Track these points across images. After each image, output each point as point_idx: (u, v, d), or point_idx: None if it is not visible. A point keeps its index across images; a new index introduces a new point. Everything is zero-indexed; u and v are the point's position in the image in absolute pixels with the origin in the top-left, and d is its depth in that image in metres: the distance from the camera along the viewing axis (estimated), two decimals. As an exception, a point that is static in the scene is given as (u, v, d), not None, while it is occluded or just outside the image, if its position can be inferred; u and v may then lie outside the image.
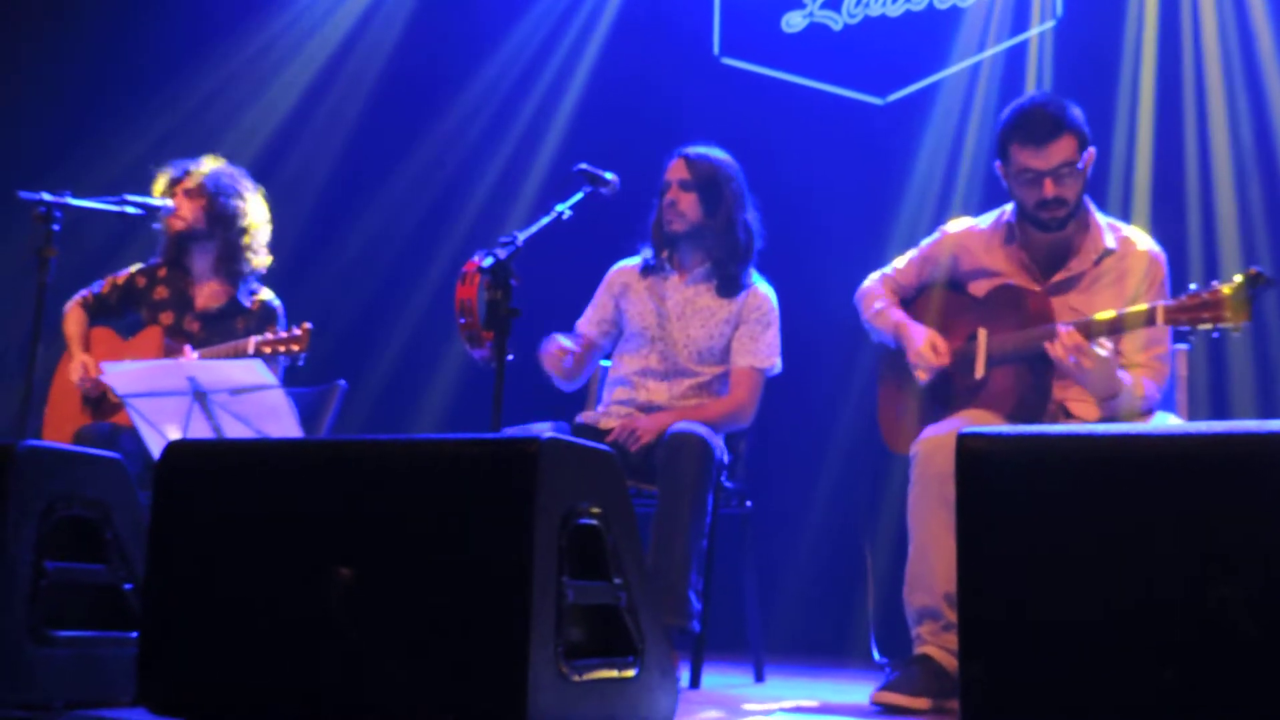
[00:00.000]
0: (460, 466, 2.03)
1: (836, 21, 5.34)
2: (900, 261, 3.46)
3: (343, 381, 3.95)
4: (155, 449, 3.35)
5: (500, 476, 1.99)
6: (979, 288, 3.27)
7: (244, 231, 4.05)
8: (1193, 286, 2.84)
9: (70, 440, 3.70)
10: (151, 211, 3.96)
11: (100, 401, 3.91)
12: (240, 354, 3.71)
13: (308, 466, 2.19)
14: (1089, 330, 2.93)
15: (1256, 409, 4.31)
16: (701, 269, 3.76)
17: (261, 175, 4.26)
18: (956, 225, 3.39)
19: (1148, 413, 3.04)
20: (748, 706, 2.96)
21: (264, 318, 4.01)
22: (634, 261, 3.87)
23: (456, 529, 2.00)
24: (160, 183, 4.10)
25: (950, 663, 2.82)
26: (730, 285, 3.71)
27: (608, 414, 3.70)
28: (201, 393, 3.33)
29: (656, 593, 2.69)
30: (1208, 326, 2.78)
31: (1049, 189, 3.08)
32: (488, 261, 2.93)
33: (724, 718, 2.75)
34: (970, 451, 1.86)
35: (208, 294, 4.06)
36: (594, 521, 2.10)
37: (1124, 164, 4.67)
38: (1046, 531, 1.79)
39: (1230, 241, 4.50)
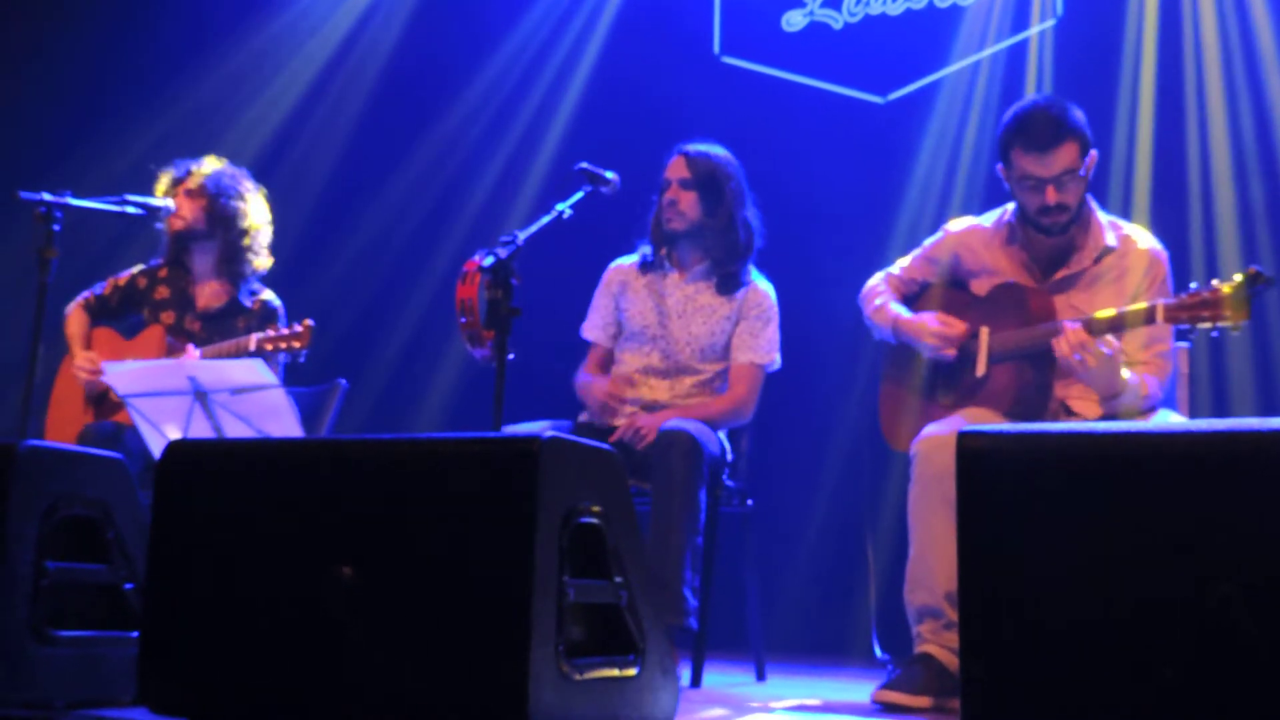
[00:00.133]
0: (461, 466, 2.03)
1: (837, 20, 5.34)
2: (904, 261, 3.46)
3: (343, 381, 3.95)
4: (156, 449, 3.36)
5: (501, 475, 1.99)
6: (981, 286, 3.27)
7: (245, 232, 4.05)
8: (1193, 285, 2.84)
9: (75, 439, 3.70)
10: (152, 211, 3.96)
11: (102, 401, 3.91)
12: (242, 351, 3.71)
13: (308, 466, 2.19)
14: (1090, 328, 2.93)
15: (1258, 407, 4.31)
16: (701, 267, 3.76)
17: (261, 175, 4.26)
18: (959, 224, 3.39)
19: (1149, 411, 3.04)
20: (750, 705, 2.96)
21: (265, 318, 4.01)
22: (631, 259, 3.87)
23: (457, 528, 2.00)
24: (162, 183, 4.10)
25: (951, 661, 2.82)
26: (730, 283, 3.71)
27: (612, 412, 3.70)
28: (202, 392, 3.33)
29: (652, 591, 2.68)
30: (1207, 325, 2.79)
31: (1051, 196, 3.08)
32: (488, 261, 2.93)
33: (729, 715, 2.75)
34: (971, 450, 1.86)
35: (209, 294, 4.06)
36: (595, 520, 2.10)
37: (1124, 162, 4.67)
38: (1047, 530, 1.79)
39: (1231, 240, 4.50)
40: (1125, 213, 4.39)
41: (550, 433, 2.04)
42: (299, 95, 5.95)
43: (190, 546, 2.20)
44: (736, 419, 3.67)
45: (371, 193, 5.86)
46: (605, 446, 2.24)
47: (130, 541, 2.44)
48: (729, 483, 3.63)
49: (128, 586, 2.43)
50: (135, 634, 2.25)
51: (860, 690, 3.12)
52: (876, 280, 3.47)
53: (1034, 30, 4.98)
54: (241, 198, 4.08)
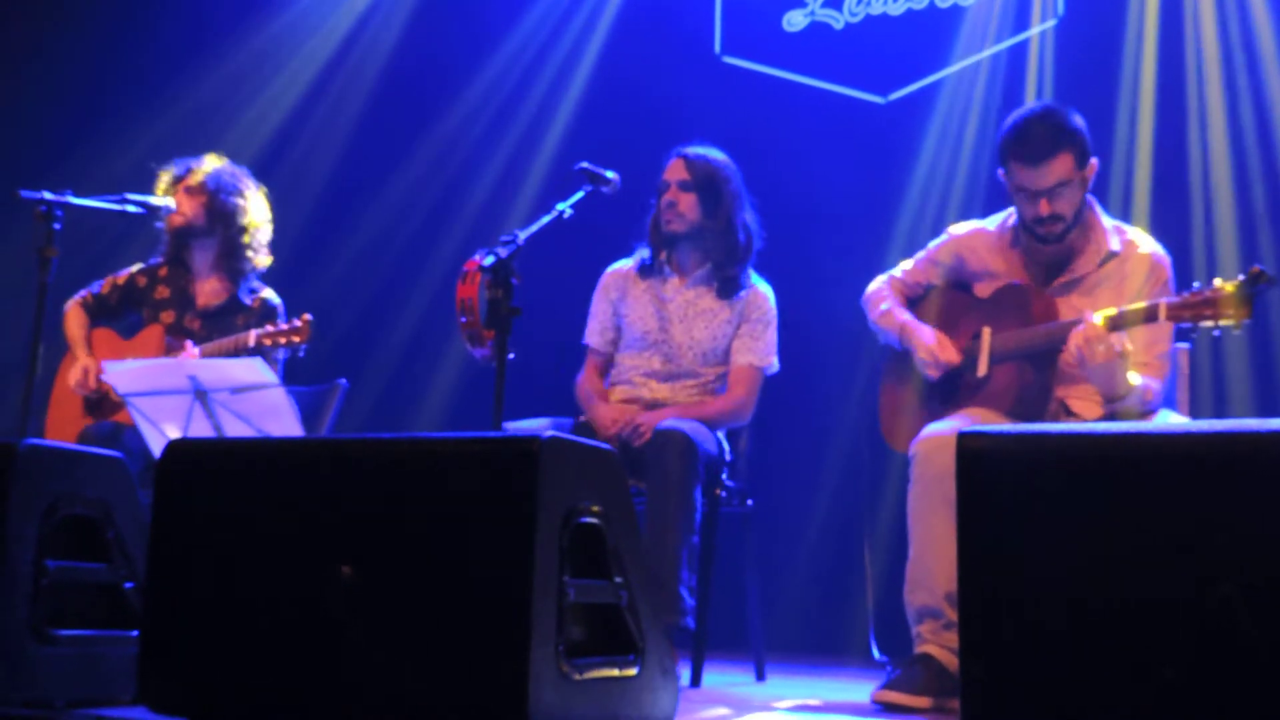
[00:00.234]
0: (461, 465, 2.03)
1: (838, 20, 5.34)
2: (906, 263, 3.47)
3: (344, 380, 3.95)
4: (156, 448, 3.35)
5: (501, 475, 1.99)
6: (984, 289, 3.27)
7: (244, 229, 4.05)
8: (1196, 284, 2.85)
9: (75, 438, 3.70)
10: (153, 210, 3.96)
11: (102, 402, 3.91)
12: (241, 347, 3.71)
13: (308, 465, 2.19)
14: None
15: (1259, 407, 4.31)
16: (701, 271, 3.75)
17: (262, 175, 4.26)
18: (962, 227, 3.39)
19: (1150, 412, 3.04)
20: (751, 705, 2.96)
21: (264, 315, 4.01)
22: (627, 263, 3.86)
23: (457, 528, 2.00)
24: (162, 181, 4.10)
25: (951, 661, 2.82)
26: (730, 286, 3.71)
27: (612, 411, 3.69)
28: (202, 391, 3.33)
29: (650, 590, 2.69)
30: (1209, 324, 2.79)
31: (1044, 208, 3.09)
32: (489, 260, 2.93)
33: (729, 715, 2.75)
34: (971, 450, 1.86)
35: (208, 291, 4.06)
36: (595, 520, 2.09)
37: (1124, 163, 4.67)
38: (1047, 530, 1.79)
39: (1233, 241, 4.50)
40: (1125, 214, 4.39)
41: (550, 433, 2.04)
42: (299, 95, 5.95)
43: (190, 546, 2.20)
44: (734, 420, 3.67)
45: (371, 193, 5.86)
46: (605, 446, 2.24)
47: (130, 541, 2.44)
48: (729, 483, 3.63)
49: (128, 586, 2.43)
50: (135, 633, 2.25)
51: (860, 690, 3.12)
52: (880, 284, 3.47)
53: (1035, 30, 4.98)
54: (241, 195, 4.08)
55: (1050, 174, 3.06)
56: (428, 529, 2.03)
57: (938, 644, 2.89)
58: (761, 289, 3.75)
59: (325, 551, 2.07)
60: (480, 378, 4.41)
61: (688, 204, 3.69)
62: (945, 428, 2.94)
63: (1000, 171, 3.18)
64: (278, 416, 3.31)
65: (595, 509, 2.10)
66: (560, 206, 3.24)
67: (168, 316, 4.02)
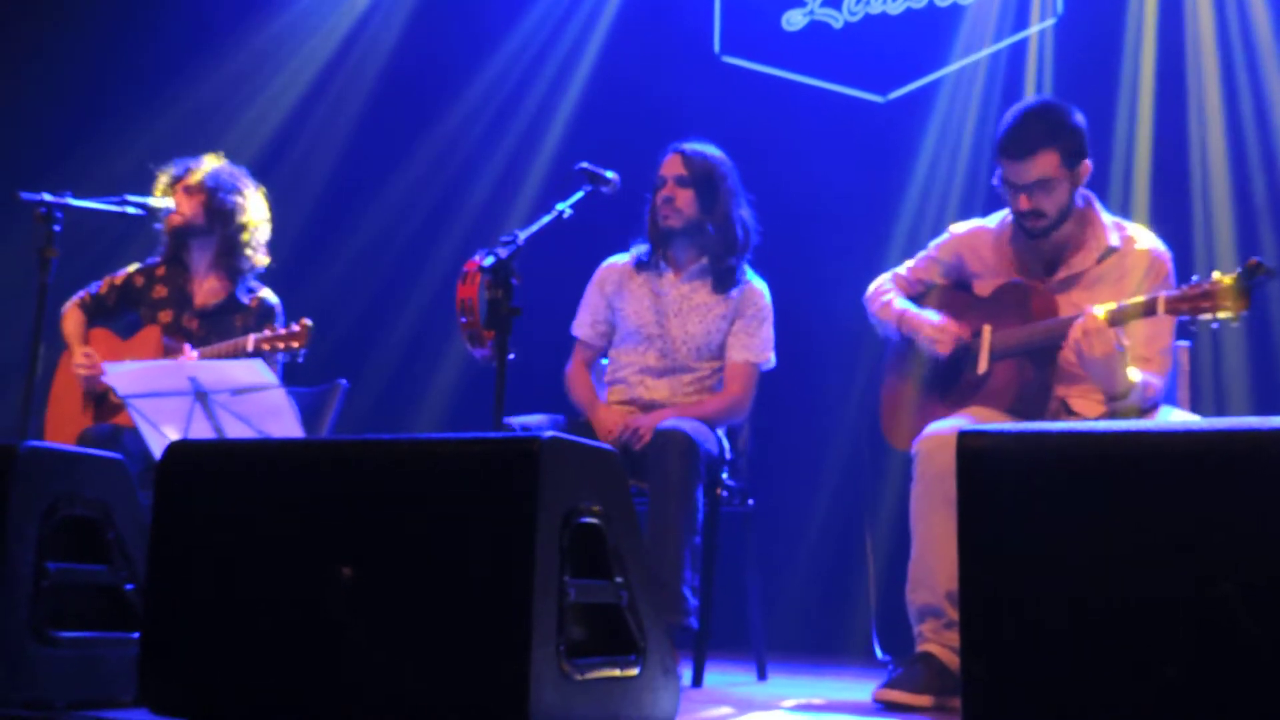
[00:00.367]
0: (462, 466, 2.03)
1: (837, 19, 5.33)
2: (910, 262, 3.47)
3: (344, 381, 3.95)
4: (156, 449, 3.35)
5: (502, 475, 1.99)
6: (984, 287, 3.27)
7: (243, 227, 4.05)
8: (1194, 278, 2.85)
9: (73, 441, 3.70)
10: (153, 212, 3.96)
11: (101, 401, 3.91)
12: (240, 352, 3.71)
13: (309, 466, 2.19)
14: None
15: (1259, 404, 4.31)
16: (696, 265, 3.75)
17: (262, 175, 4.26)
18: (963, 226, 3.40)
19: (1152, 408, 3.03)
20: (753, 704, 2.96)
21: (262, 315, 4.01)
22: (624, 258, 3.86)
23: (458, 528, 2.00)
24: (161, 182, 4.10)
25: (952, 660, 2.82)
26: (726, 281, 3.71)
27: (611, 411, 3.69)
28: (203, 393, 3.33)
29: (652, 590, 2.69)
30: (1208, 316, 2.79)
31: (1024, 202, 3.10)
32: (489, 260, 2.92)
33: (731, 715, 2.75)
34: (971, 450, 1.86)
35: (206, 290, 4.06)
36: (595, 520, 2.09)
37: (1124, 159, 4.67)
38: (1048, 529, 1.79)
39: (1233, 237, 4.50)
40: (1125, 211, 4.39)
41: (550, 433, 2.04)
42: (299, 95, 5.95)
43: (191, 547, 2.20)
44: (732, 417, 3.67)
45: (371, 193, 5.86)
46: (605, 446, 2.24)
47: (130, 542, 2.44)
48: (730, 482, 3.63)
49: (128, 587, 2.43)
50: (135, 634, 2.25)
51: (862, 689, 3.12)
52: (882, 280, 3.47)
53: (1034, 29, 4.98)
54: (240, 193, 4.08)
55: (1031, 170, 3.07)
56: (428, 529, 2.03)
57: (939, 643, 2.89)
58: (756, 285, 3.75)
59: (326, 552, 2.06)
60: (480, 378, 4.41)
61: (685, 200, 3.69)
62: (947, 427, 2.94)
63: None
64: (278, 417, 3.31)
65: (596, 509, 2.10)
66: (560, 206, 3.24)
67: (165, 316, 4.02)
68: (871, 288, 3.48)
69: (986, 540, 1.82)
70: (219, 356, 3.72)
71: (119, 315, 4.11)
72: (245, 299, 4.04)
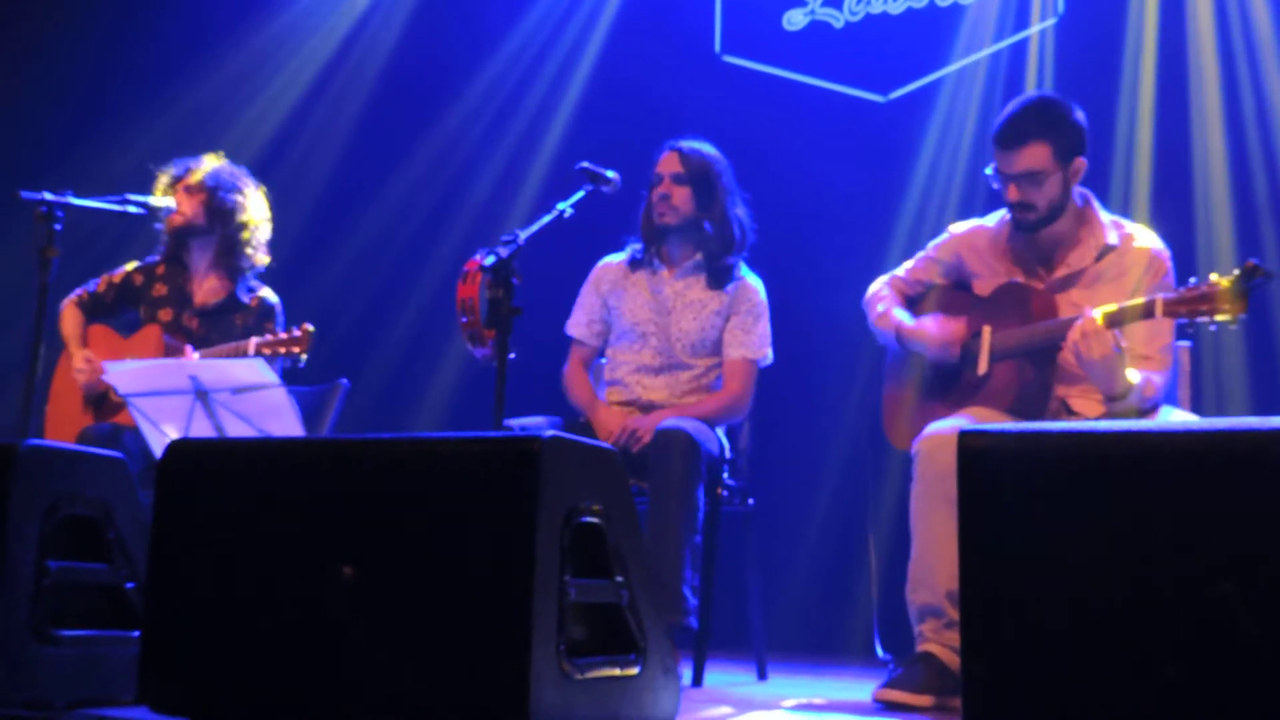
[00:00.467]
0: (462, 465, 2.03)
1: (838, 19, 5.34)
2: (908, 263, 3.47)
3: (344, 380, 3.95)
4: (157, 448, 3.35)
5: (502, 475, 1.99)
6: (983, 287, 3.27)
7: (244, 226, 4.05)
8: (1192, 280, 2.85)
9: (73, 440, 3.70)
10: (154, 211, 3.96)
11: (101, 400, 3.91)
12: (240, 355, 3.70)
13: (309, 465, 2.18)
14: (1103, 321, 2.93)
15: (1260, 405, 4.31)
16: (691, 262, 3.76)
17: (262, 175, 4.26)
18: (962, 226, 3.40)
19: (1153, 407, 3.03)
20: (754, 704, 2.96)
21: (262, 315, 4.01)
22: (619, 257, 3.86)
23: (458, 527, 2.00)
24: (161, 182, 4.10)
25: (953, 660, 2.82)
26: (720, 278, 3.71)
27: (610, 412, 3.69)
28: (203, 392, 3.33)
29: (652, 590, 2.69)
30: (1206, 319, 2.79)
31: (1012, 193, 3.11)
32: (489, 260, 2.93)
33: (731, 714, 2.75)
34: (972, 449, 1.86)
35: (206, 290, 4.06)
36: (596, 520, 2.09)
37: (1125, 159, 4.67)
38: (1049, 529, 1.79)
39: (1234, 237, 4.50)
40: (1126, 210, 4.39)
41: (551, 432, 2.04)
42: (299, 95, 5.95)
43: (191, 546, 2.20)
44: (732, 415, 3.67)
45: (371, 193, 5.87)
46: (606, 446, 2.24)
47: (131, 541, 2.44)
48: (730, 481, 3.63)
49: (129, 586, 2.43)
50: (136, 633, 2.25)
51: (862, 689, 3.12)
52: (880, 285, 3.46)
53: (1035, 29, 4.98)
54: (240, 192, 4.08)
55: (1020, 160, 3.07)
56: (428, 529, 2.03)
57: (939, 642, 2.89)
58: (751, 281, 3.75)
59: (326, 551, 2.06)
60: (480, 377, 4.42)
61: (681, 197, 3.70)
62: (947, 426, 2.94)
63: None
64: (279, 416, 3.31)
65: (596, 508, 2.10)
66: (561, 206, 3.24)
67: (165, 315, 4.02)
68: (869, 291, 3.48)
69: (987, 540, 1.82)
70: (219, 358, 3.72)
71: (118, 314, 4.11)
72: (245, 298, 4.04)
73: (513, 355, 2.89)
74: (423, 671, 1.97)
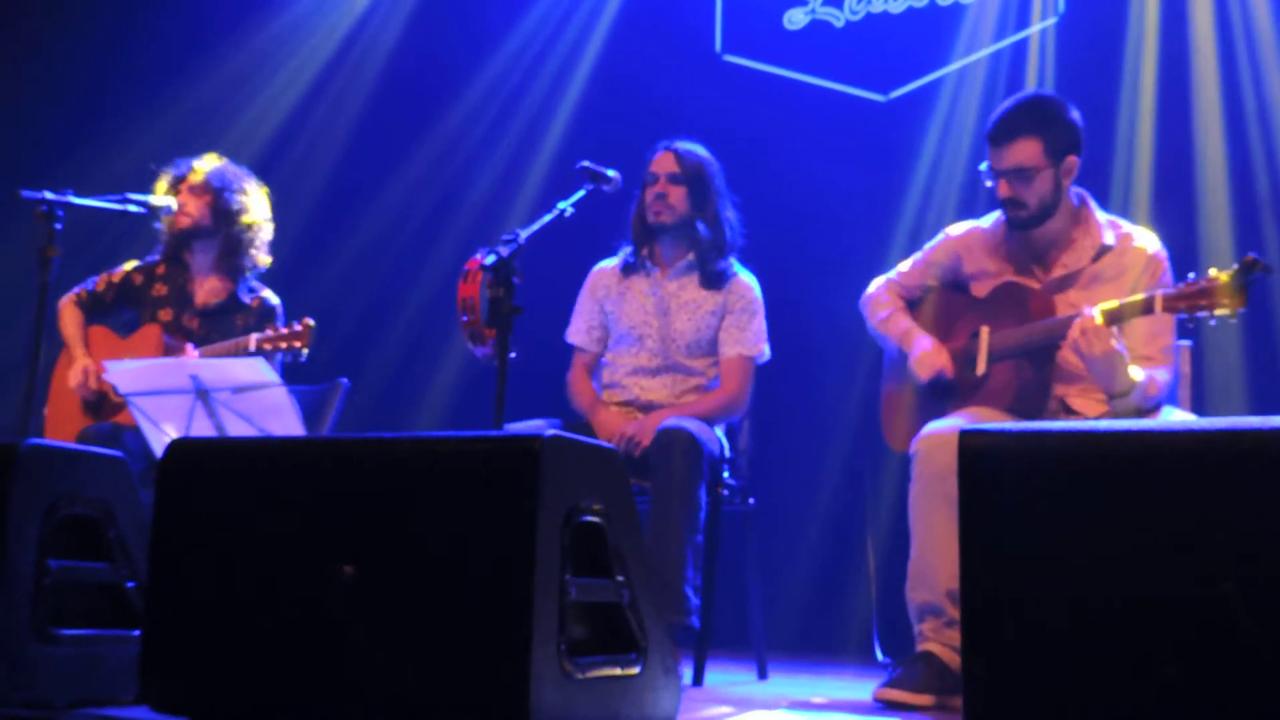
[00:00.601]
0: (463, 464, 2.03)
1: (838, 18, 5.33)
2: (904, 265, 3.46)
3: (345, 380, 3.95)
4: (158, 447, 3.35)
5: (503, 474, 1.99)
6: (981, 288, 3.27)
7: (248, 227, 4.06)
8: (1191, 275, 2.85)
9: (73, 439, 3.70)
10: (154, 210, 3.96)
11: (101, 401, 3.91)
12: (241, 351, 3.70)
13: (310, 465, 2.19)
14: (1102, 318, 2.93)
15: (1260, 405, 4.31)
16: (683, 262, 3.76)
17: (262, 175, 4.26)
18: (959, 228, 3.40)
19: (1156, 405, 3.03)
20: (754, 703, 2.96)
21: (263, 315, 4.01)
22: (612, 262, 3.87)
23: (459, 527, 2.00)
24: (162, 181, 4.09)
25: (953, 659, 2.82)
26: (715, 277, 3.72)
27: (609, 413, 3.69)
28: (204, 391, 3.33)
29: (654, 589, 2.69)
30: (1205, 314, 2.79)
31: (1003, 189, 3.11)
32: (490, 259, 2.93)
33: (731, 714, 2.75)
34: (972, 449, 1.86)
35: (207, 290, 4.06)
36: (596, 519, 2.09)
37: (1126, 158, 4.67)
38: (1049, 528, 1.79)
39: (1234, 236, 4.49)
40: (1126, 209, 4.39)
41: (551, 431, 2.04)
42: (299, 95, 5.95)
43: (192, 545, 2.20)
44: (731, 413, 3.67)
45: (371, 193, 5.86)
46: (606, 445, 2.24)
47: (132, 540, 2.44)
48: (730, 481, 3.63)
49: (129, 585, 2.43)
50: (137, 633, 2.25)
51: (862, 688, 3.12)
52: (877, 287, 3.46)
53: (1035, 28, 4.98)
54: (244, 192, 4.08)
55: (1009, 156, 3.08)
56: (429, 528, 2.03)
57: (939, 642, 2.89)
58: (744, 278, 3.75)
59: (327, 551, 2.06)
60: (481, 377, 4.42)
61: (677, 197, 3.70)
62: (946, 426, 2.94)
63: None
64: (279, 416, 3.31)
65: (597, 508, 2.10)
66: (561, 205, 3.24)
67: (165, 315, 4.01)
68: (867, 293, 3.48)
69: (987, 539, 1.82)
70: (220, 356, 3.72)
71: (117, 313, 4.10)
72: (246, 299, 4.04)
73: (513, 354, 2.89)
74: (423, 671, 1.97)
